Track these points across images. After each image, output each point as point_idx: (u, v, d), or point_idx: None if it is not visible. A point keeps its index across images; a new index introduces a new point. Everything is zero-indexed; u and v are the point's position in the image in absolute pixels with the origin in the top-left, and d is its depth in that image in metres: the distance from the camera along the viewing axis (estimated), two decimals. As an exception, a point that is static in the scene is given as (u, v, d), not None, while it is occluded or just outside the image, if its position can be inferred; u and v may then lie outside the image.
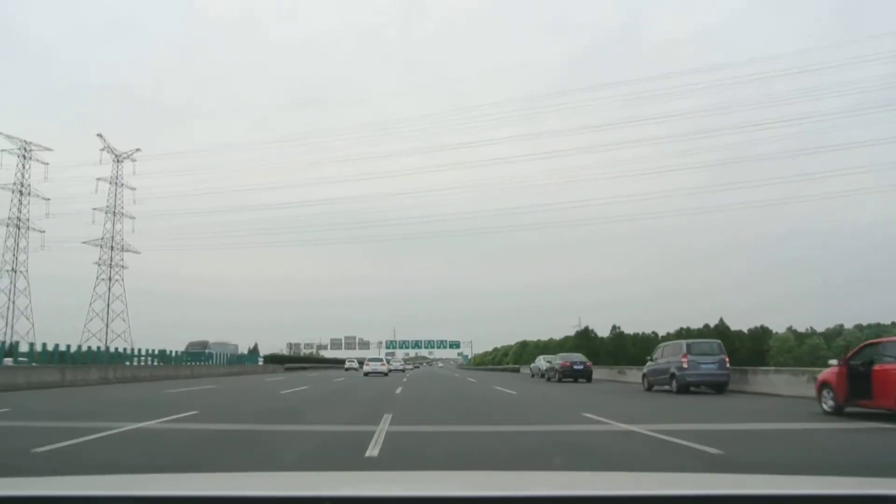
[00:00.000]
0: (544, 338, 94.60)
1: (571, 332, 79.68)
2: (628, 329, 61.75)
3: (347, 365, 62.64)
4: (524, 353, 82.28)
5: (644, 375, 21.07)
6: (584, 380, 27.82)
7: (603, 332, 65.58)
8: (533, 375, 36.83)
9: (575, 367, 27.92)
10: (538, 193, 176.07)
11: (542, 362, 35.51)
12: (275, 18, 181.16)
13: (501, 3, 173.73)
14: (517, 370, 54.57)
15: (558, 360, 29.51)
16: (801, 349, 60.38)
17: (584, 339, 47.11)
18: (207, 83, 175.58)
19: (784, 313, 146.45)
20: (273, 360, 52.79)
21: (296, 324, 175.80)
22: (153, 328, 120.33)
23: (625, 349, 45.90)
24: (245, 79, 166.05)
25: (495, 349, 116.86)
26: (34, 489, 1.89)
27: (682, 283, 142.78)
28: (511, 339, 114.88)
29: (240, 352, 53.87)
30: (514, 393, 18.86)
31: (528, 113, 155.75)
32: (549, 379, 30.17)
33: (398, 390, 19.60)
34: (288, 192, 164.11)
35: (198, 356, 38.58)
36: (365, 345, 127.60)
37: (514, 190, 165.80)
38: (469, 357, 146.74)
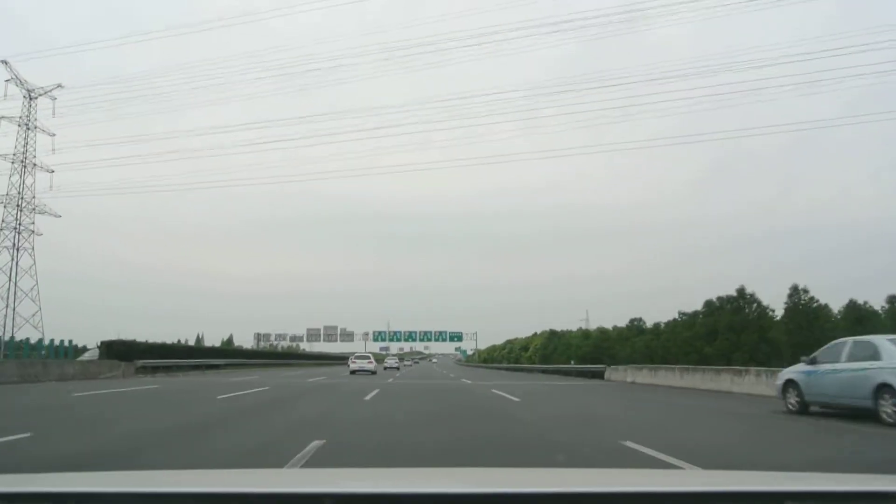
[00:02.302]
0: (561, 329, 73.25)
1: (580, 326, 66.30)
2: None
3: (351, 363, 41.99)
4: (558, 347, 58.69)
5: None
6: None
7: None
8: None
9: None
10: (538, 187, 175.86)
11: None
12: (269, 5, 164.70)
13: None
14: (600, 375, 30.53)
15: None
16: None
17: (724, 315, 23.74)
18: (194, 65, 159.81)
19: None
20: (117, 353, 27.76)
21: (280, 318, 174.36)
22: (79, 316, 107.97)
23: (812, 330, 22.57)
24: (237, 65, 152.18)
25: (509, 342, 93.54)
26: (36, 485, 1.87)
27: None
28: (512, 333, 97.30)
29: None
30: None
31: (527, 107, 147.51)
32: None
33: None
34: (273, 179, 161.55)
35: None
36: (348, 336, 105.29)
37: (514, 183, 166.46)
38: (468, 352, 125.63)
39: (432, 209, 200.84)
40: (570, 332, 64.34)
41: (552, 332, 68.77)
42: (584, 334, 50.59)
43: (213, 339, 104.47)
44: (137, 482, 2.07)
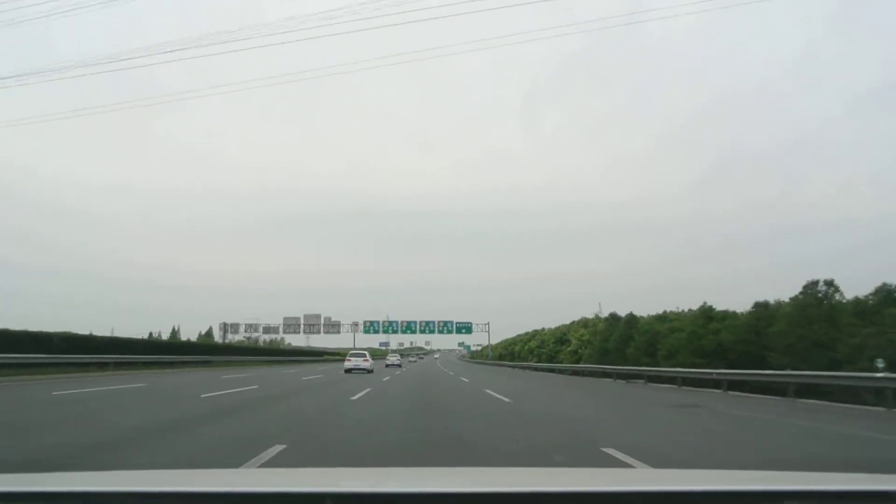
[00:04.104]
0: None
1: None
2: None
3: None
4: (633, 336, 38.12)
5: None
6: None
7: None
8: None
9: None
10: (540, 184, 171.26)
11: None
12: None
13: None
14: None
15: None
16: None
17: None
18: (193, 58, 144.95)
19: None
20: None
21: (277, 317, 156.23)
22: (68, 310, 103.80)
23: None
24: (236, 58, 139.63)
25: (536, 332, 72.84)
26: (36, 485, 1.87)
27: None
28: (516, 329, 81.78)
29: None
30: None
31: (527, 106, 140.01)
32: None
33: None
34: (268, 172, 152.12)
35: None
36: (334, 328, 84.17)
37: (517, 179, 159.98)
38: (472, 348, 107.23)
39: (432, 207, 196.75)
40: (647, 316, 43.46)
41: (613, 317, 47.66)
42: (704, 313, 29.76)
43: (189, 333, 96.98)
44: (135, 482, 2.08)
